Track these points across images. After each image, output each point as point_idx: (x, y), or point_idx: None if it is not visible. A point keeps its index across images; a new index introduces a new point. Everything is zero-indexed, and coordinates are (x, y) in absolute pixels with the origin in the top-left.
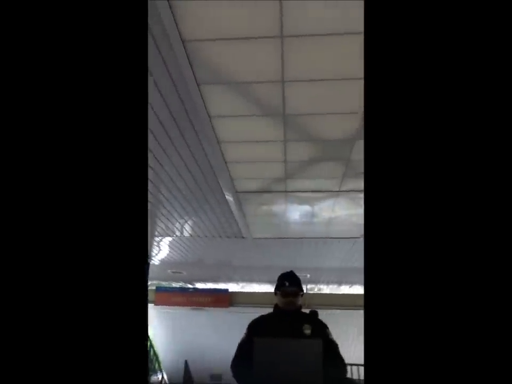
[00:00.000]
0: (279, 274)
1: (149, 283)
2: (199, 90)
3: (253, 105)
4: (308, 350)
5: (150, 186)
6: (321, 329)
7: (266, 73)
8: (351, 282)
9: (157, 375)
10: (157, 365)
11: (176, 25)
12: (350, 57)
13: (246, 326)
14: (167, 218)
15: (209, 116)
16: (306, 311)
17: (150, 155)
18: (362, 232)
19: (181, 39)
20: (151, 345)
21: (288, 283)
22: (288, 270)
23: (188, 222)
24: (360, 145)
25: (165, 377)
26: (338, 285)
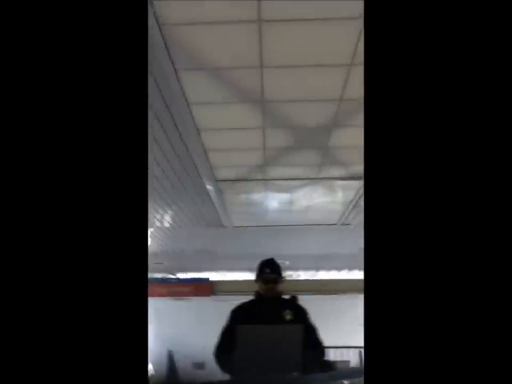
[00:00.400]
0: (259, 262)
1: None
2: (177, 76)
3: (232, 91)
4: (289, 336)
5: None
6: (301, 315)
7: (244, 58)
8: (328, 268)
9: None
10: None
11: (153, 9)
12: (329, 43)
13: (226, 314)
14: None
15: (187, 103)
16: (286, 297)
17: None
18: (338, 219)
19: (157, 24)
20: None
21: (269, 270)
22: (268, 258)
23: (168, 212)
24: (338, 132)
25: (150, 367)
26: (316, 271)
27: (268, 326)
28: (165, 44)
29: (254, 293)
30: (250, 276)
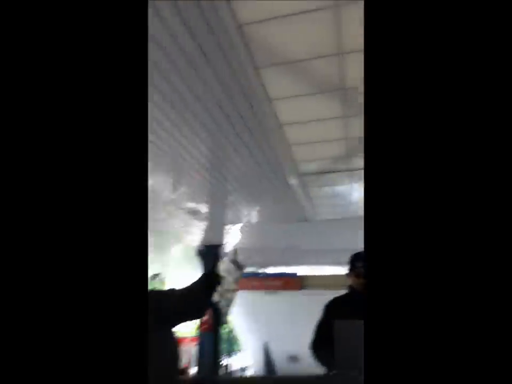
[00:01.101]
0: (351, 256)
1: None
2: (258, 74)
3: (312, 82)
4: None
5: (218, 176)
6: None
7: (322, 47)
8: None
9: (238, 354)
10: (236, 347)
11: (231, 10)
12: None
13: (318, 308)
14: (235, 206)
15: (269, 99)
16: None
17: (215, 145)
18: None
19: (236, 24)
20: (232, 328)
21: (361, 264)
22: (359, 251)
23: (255, 208)
24: None
25: (248, 358)
26: None
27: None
28: (244, 43)
29: (347, 287)
30: (337, 270)
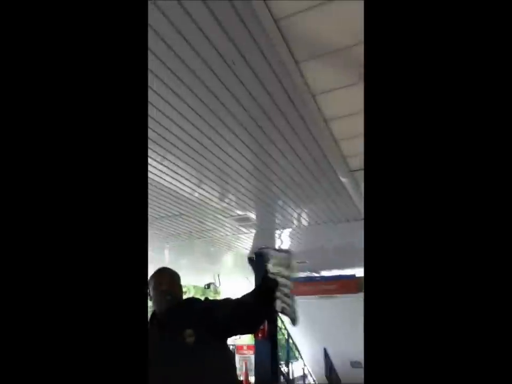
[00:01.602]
0: None
1: None
2: (298, 68)
3: (356, 71)
4: None
5: (264, 180)
6: None
7: (361, 32)
8: None
9: (297, 362)
10: (296, 353)
11: (266, 5)
12: None
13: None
14: (284, 209)
15: (312, 94)
16: None
17: (259, 149)
18: None
19: (272, 18)
20: (289, 334)
21: None
22: None
23: (304, 210)
24: None
25: (308, 365)
26: None
27: None
28: (282, 38)
29: None
30: None
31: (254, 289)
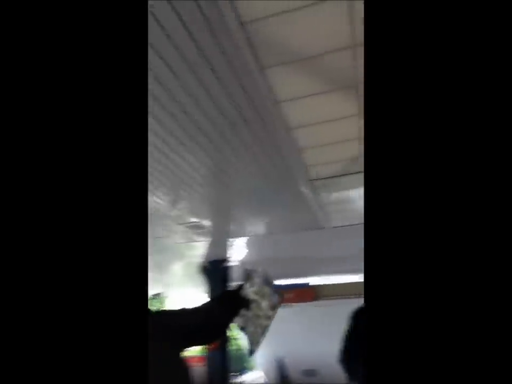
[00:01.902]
0: None
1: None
2: (264, 75)
3: (324, 80)
4: None
5: (220, 187)
6: None
7: (334, 41)
8: None
9: (251, 372)
10: (248, 364)
11: (234, 8)
12: None
13: (332, 319)
14: (240, 218)
15: (276, 101)
16: None
17: (213, 152)
18: None
19: (239, 21)
20: (243, 344)
21: None
22: None
23: (261, 219)
24: None
25: (262, 374)
26: None
27: None
28: (248, 42)
29: (359, 296)
30: (353, 278)
31: (220, 300)
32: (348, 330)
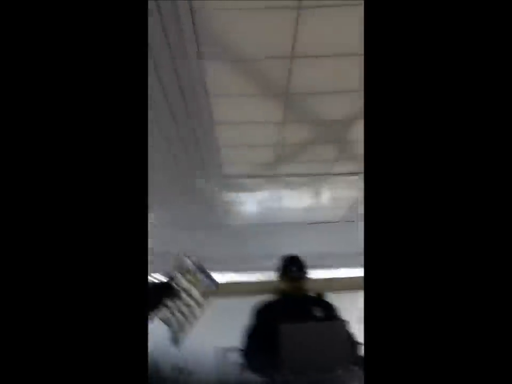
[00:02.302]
0: (283, 259)
1: None
2: (201, 64)
3: (257, 83)
4: (334, 332)
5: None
6: (333, 311)
7: (275, 48)
8: (335, 267)
9: None
10: None
11: None
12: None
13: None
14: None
15: (206, 93)
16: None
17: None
18: (350, 216)
19: (190, 8)
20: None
21: (295, 267)
22: (292, 255)
23: (166, 213)
24: (359, 125)
25: None
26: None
27: (313, 323)
28: (194, 28)
29: (255, 294)
30: (248, 276)
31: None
32: (250, 327)
